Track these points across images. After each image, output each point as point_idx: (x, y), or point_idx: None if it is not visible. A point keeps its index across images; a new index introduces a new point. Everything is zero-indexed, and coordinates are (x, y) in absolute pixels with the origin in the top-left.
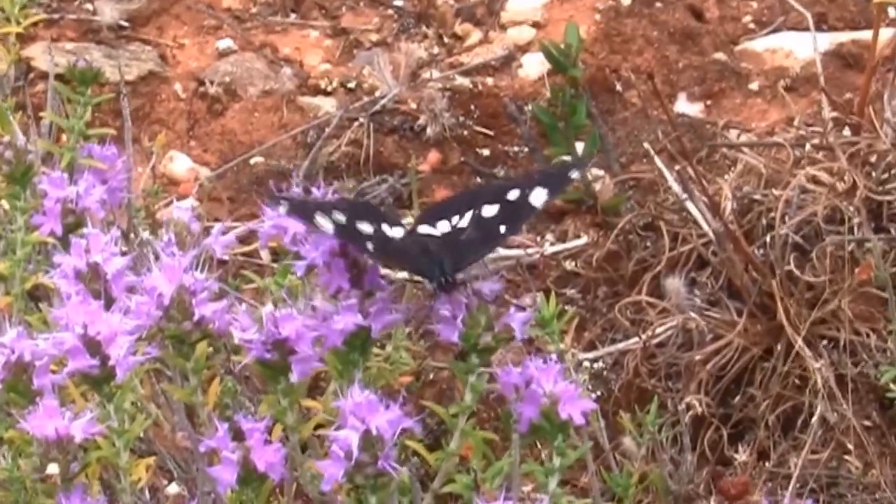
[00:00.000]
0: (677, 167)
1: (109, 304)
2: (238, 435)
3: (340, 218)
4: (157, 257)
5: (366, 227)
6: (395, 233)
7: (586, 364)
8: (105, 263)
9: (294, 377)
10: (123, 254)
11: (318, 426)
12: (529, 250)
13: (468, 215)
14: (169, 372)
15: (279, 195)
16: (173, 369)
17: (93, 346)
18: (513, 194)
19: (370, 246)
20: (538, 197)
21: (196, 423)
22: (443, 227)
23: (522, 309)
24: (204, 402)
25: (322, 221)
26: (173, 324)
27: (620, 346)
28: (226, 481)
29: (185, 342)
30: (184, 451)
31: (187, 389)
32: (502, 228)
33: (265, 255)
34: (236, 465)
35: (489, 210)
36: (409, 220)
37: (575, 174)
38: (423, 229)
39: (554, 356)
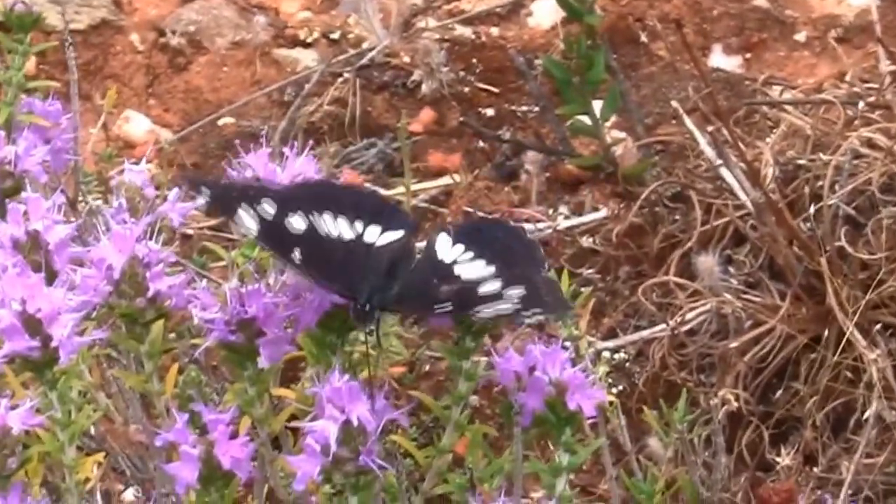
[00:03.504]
0: (711, 129)
1: (52, 277)
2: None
3: (267, 211)
4: (106, 226)
5: (297, 224)
6: (386, 237)
7: (606, 354)
8: (46, 232)
9: (263, 362)
10: (68, 222)
11: (291, 418)
12: (540, 225)
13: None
14: (121, 356)
15: (197, 180)
16: (126, 353)
17: (32, 324)
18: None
19: (297, 256)
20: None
21: (152, 415)
22: (453, 252)
23: None
24: (161, 391)
25: (245, 217)
26: (125, 300)
27: (645, 333)
28: (185, 480)
29: (139, 321)
30: (138, 446)
31: (141, 376)
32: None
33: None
34: (197, 461)
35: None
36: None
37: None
38: (440, 242)
39: (562, 342)
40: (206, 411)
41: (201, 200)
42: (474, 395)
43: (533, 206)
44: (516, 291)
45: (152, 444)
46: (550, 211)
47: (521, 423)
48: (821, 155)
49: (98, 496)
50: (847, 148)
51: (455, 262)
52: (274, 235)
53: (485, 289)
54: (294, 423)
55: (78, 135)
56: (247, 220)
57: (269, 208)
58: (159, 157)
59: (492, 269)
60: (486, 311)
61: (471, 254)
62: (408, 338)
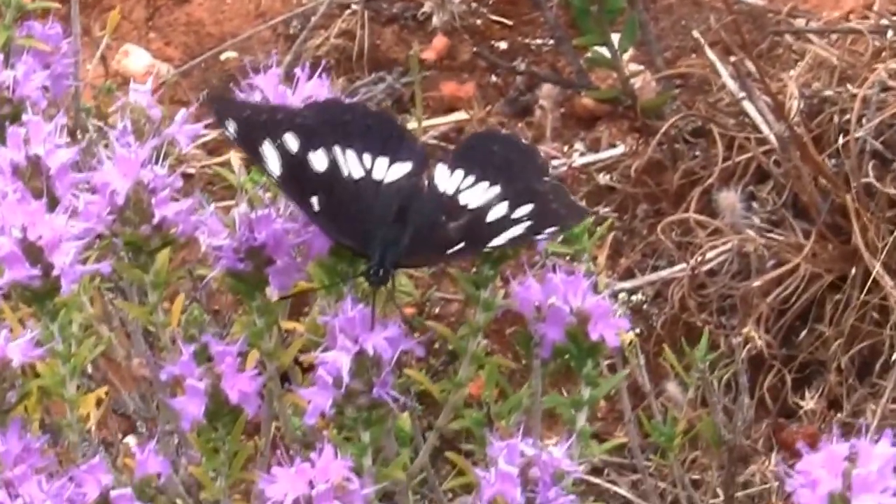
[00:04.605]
0: (733, 59)
1: (53, 204)
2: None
3: (291, 145)
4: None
5: (320, 163)
6: (394, 171)
7: (623, 295)
8: (48, 157)
9: (272, 292)
10: (70, 146)
11: (301, 352)
12: (555, 162)
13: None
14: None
15: (225, 109)
16: (129, 284)
17: (33, 252)
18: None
19: (315, 203)
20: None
21: (156, 348)
22: (453, 180)
23: None
24: (165, 323)
25: (269, 155)
26: (129, 227)
27: (664, 273)
28: (191, 415)
29: (144, 250)
30: (141, 382)
31: (146, 307)
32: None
33: (237, 165)
34: (204, 395)
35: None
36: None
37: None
38: (440, 174)
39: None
40: (214, 343)
41: (228, 132)
42: (485, 339)
43: (548, 142)
44: (525, 210)
45: (156, 379)
46: (566, 147)
47: (540, 356)
48: (848, 87)
49: (96, 440)
50: (875, 80)
51: (458, 190)
52: (294, 178)
53: (493, 215)
54: (304, 358)
55: (79, 59)
56: (271, 161)
57: (292, 141)
58: (160, 92)
59: (496, 189)
60: (499, 241)
61: (472, 178)
62: (418, 277)
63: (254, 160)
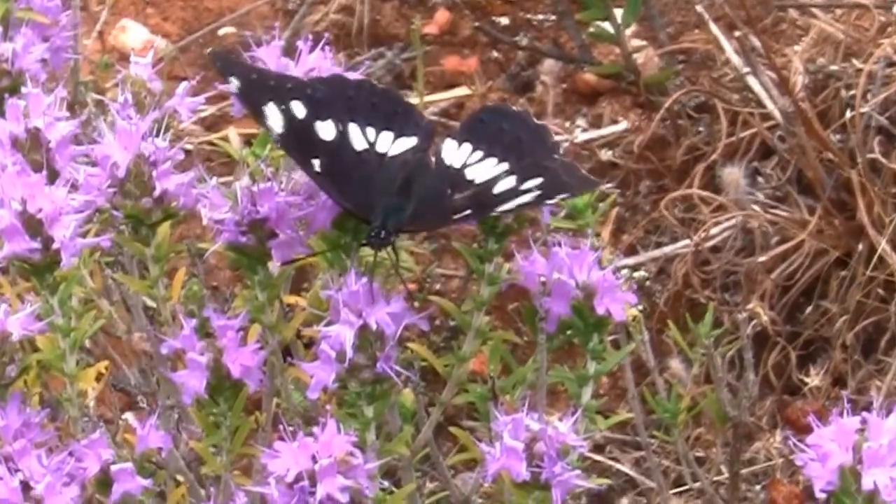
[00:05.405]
0: (737, 34)
1: (53, 177)
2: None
3: (298, 111)
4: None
5: (326, 132)
6: (399, 145)
7: (625, 272)
8: (47, 129)
9: (274, 266)
10: (70, 118)
11: (304, 326)
12: (557, 138)
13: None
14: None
15: (230, 65)
16: (129, 258)
17: (33, 225)
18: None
19: (317, 165)
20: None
21: (157, 322)
22: (460, 154)
23: None
24: (166, 297)
25: (272, 115)
26: (130, 200)
27: (667, 250)
28: (193, 389)
29: (145, 223)
30: (142, 356)
31: (147, 281)
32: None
33: (235, 141)
34: (205, 369)
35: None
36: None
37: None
38: (447, 148)
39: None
40: (215, 317)
41: (231, 87)
42: (487, 315)
43: (549, 118)
44: (534, 183)
45: (157, 353)
46: (567, 124)
47: (545, 330)
48: (853, 62)
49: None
50: (880, 55)
51: (465, 165)
52: (298, 140)
53: (500, 188)
54: (307, 332)
55: (77, 33)
56: (273, 119)
57: (299, 109)
58: (158, 68)
59: (504, 165)
60: (506, 206)
61: (480, 153)
62: (418, 253)
63: (254, 116)
